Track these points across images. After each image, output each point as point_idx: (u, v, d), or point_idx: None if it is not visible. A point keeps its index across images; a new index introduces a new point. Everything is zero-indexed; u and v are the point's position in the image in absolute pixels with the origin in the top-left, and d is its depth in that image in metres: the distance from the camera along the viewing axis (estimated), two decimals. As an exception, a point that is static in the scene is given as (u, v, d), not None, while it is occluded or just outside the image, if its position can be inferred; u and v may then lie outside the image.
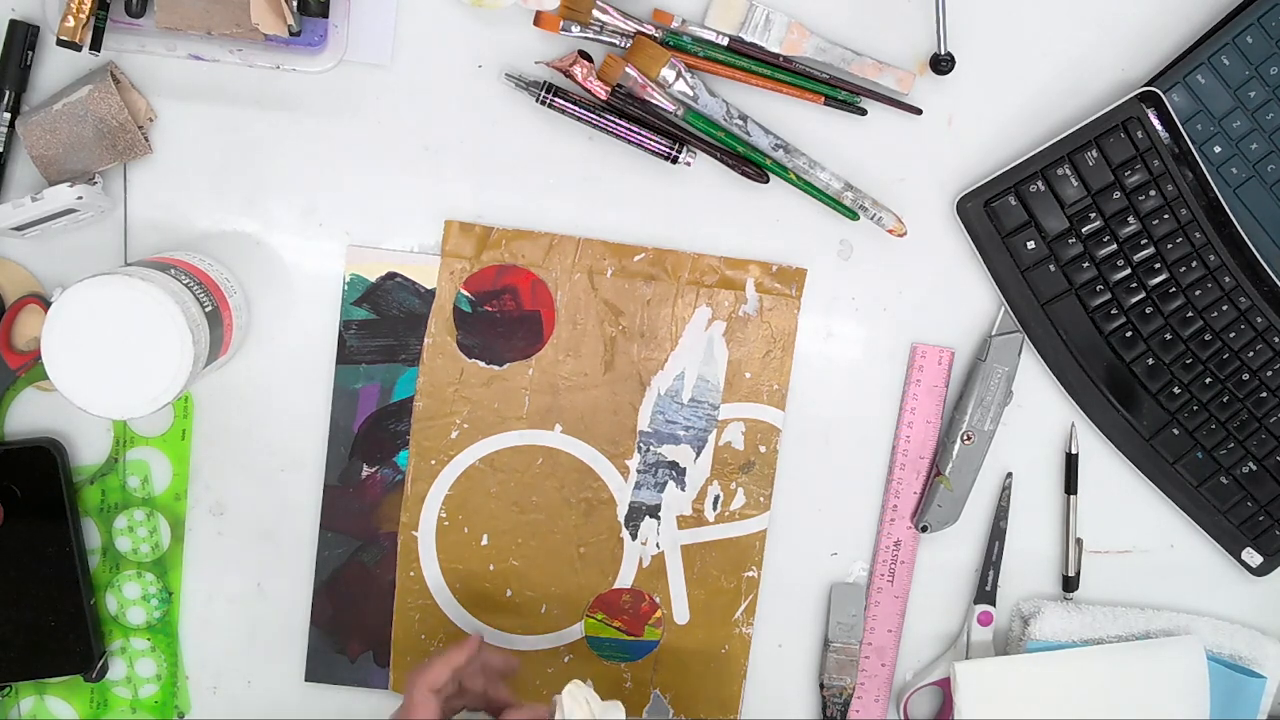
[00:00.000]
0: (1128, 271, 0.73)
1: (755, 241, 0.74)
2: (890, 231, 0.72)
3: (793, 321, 0.75)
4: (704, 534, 0.76)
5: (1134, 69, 0.74)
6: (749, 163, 0.71)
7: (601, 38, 0.69)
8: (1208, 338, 0.74)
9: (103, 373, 0.60)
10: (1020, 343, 0.75)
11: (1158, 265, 0.73)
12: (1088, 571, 0.79)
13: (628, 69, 0.68)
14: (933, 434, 0.76)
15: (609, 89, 0.69)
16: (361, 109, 0.70)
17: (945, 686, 0.78)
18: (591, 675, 0.77)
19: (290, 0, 0.64)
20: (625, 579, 0.76)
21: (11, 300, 0.70)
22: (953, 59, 0.71)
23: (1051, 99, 0.74)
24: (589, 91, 0.70)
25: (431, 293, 0.72)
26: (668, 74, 0.68)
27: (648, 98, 0.69)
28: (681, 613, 0.77)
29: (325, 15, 0.65)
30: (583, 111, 0.69)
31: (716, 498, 0.75)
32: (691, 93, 0.70)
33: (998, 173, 0.72)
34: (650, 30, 0.69)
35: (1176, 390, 0.75)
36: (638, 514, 0.76)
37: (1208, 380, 0.75)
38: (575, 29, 0.68)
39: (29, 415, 0.72)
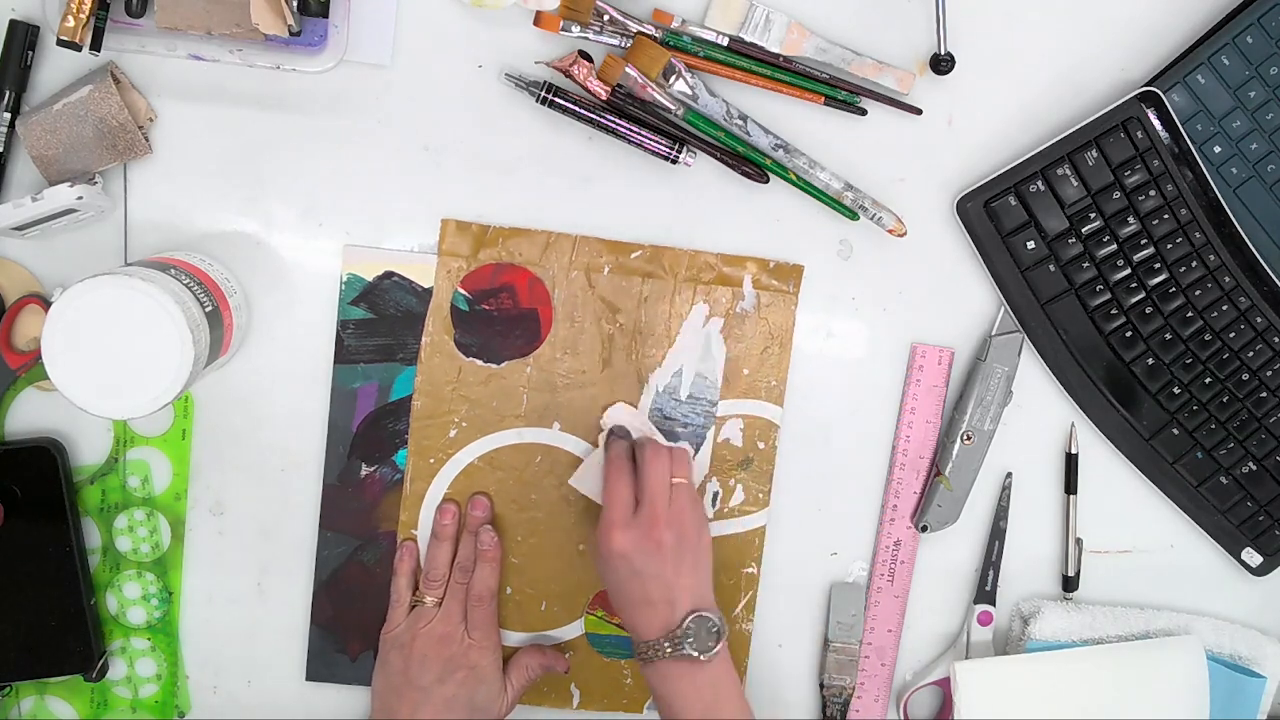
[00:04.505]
0: (1128, 271, 0.73)
1: (755, 241, 0.74)
2: (890, 231, 0.72)
3: (790, 318, 0.74)
4: (704, 533, 0.76)
5: (1134, 69, 0.74)
6: (749, 163, 0.71)
7: (601, 38, 0.69)
8: (1208, 338, 0.74)
9: (103, 373, 0.60)
10: (1020, 343, 0.75)
11: (1158, 265, 0.73)
12: (1088, 571, 0.79)
13: (628, 69, 0.68)
14: (933, 434, 0.76)
15: (609, 89, 0.69)
16: (361, 109, 0.70)
17: (945, 686, 0.78)
18: (591, 672, 0.77)
19: (290, 0, 0.64)
20: (625, 578, 0.76)
21: (11, 300, 0.70)
22: (953, 59, 0.71)
23: (1051, 99, 0.74)
24: (589, 91, 0.70)
25: (429, 291, 0.72)
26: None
27: (648, 98, 0.69)
28: (681, 612, 0.77)
29: (325, 15, 0.65)
30: (583, 111, 0.69)
31: (715, 494, 0.75)
32: (691, 93, 0.70)
33: (998, 173, 0.72)
34: (650, 30, 0.69)
35: (1176, 390, 0.75)
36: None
37: (1208, 380, 0.75)
38: (575, 29, 0.68)
39: (29, 415, 0.72)
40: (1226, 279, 0.74)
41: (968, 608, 0.79)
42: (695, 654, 0.65)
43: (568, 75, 0.69)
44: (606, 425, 0.74)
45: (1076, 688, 0.76)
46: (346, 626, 0.75)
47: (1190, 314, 0.74)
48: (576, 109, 0.69)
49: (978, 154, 0.74)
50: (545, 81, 0.69)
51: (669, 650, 0.65)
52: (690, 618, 0.65)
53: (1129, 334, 0.74)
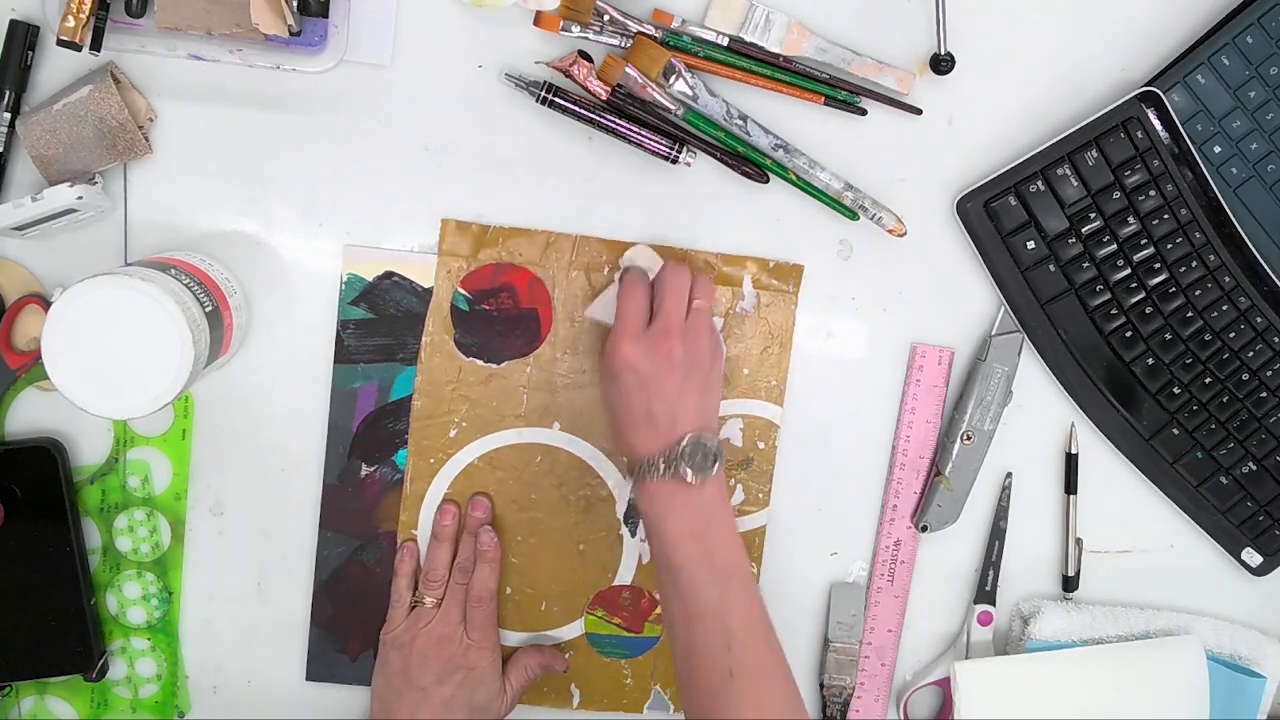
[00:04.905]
0: (1128, 271, 0.73)
1: (755, 241, 0.74)
2: (890, 231, 0.72)
3: (790, 317, 0.74)
4: (704, 533, 0.76)
5: (1134, 69, 0.74)
6: (749, 163, 0.71)
7: (601, 38, 0.69)
8: (1208, 338, 0.74)
9: (103, 373, 0.60)
10: (1020, 343, 0.75)
11: (1158, 265, 0.73)
12: (1088, 571, 0.79)
13: (628, 69, 0.68)
14: (933, 434, 0.76)
15: (609, 89, 0.69)
16: (361, 109, 0.70)
17: (945, 686, 0.78)
18: (591, 672, 0.77)
19: (290, 0, 0.64)
20: (625, 576, 0.76)
21: (12, 300, 0.70)
22: (953, 59, 0.71)
23: (1051, 99, 0.74)
24: (589, 91, 0.70)
25: (429, 291, 0.72)
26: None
27: (648, 98, 0.69)
28: (681, 612, 0.77)
29: (325, 15, 0.65)
30: (583, 111, 0.69)
31: (716, 497, 0.75)
32: (691, 93, 0.70)
33: (998, 173, 0.72)
34: (650, 30, 0.69)
35: (1176, 390, 0.75)
36: (636, 511, 0.76)
37: (1208, 380, 0.75)
38: (575, 29, 0.68)
39: (29, 415, 0.72)
40: (1226, 279, 0.74)
41: (968, 608, 0.79)
42: (689, 474, 0.62)
43: (568, 75, 0.69)
44: (625, 264, 0.72)
45: (1076, 688, 0.76)
46: (346, 626, 0.75)
47: (1190, 314, 0.74)
48: (576, 109, 0.69)
49: (978, 154, 0.74)
50: (545, 81, 0.69)
51: (663, 469, 0.63)
52: (689, 438, 0.63)
53: (1129, 334, 0.74)
